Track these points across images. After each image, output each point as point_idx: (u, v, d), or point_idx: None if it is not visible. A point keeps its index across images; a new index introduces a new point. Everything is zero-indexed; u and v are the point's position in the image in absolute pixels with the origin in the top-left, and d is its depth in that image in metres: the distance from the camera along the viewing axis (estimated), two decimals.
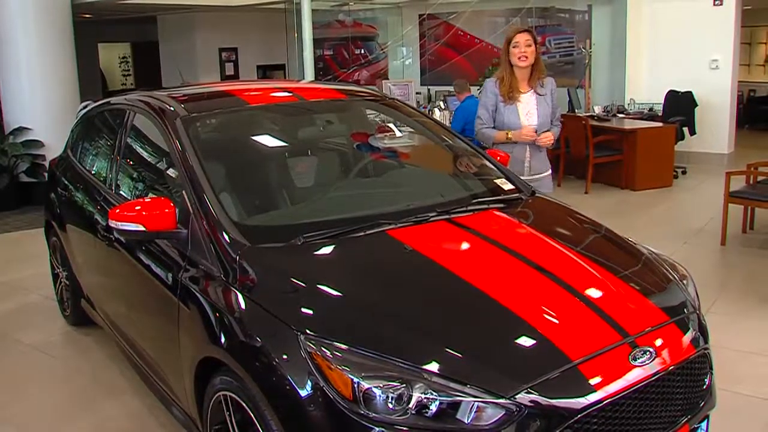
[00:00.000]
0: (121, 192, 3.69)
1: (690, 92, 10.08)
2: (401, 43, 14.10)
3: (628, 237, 3.17)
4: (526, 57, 4.27)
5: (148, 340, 3.35)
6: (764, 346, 4.27)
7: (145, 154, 3.67)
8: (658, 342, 2.37)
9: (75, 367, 4.27)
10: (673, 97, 10.22)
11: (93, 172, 4.16)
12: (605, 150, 9.00)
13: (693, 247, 6.41)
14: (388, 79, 13.10)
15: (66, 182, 4.55)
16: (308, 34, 8.56)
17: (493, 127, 4.41)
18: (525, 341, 2.26)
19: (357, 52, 14.70)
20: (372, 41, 14.81)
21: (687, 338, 2.49)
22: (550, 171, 4.57)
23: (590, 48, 11.39)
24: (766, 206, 6.39)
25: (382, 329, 2.28)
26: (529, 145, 4.36)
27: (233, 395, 2.45)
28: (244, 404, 2.38)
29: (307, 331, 2.24)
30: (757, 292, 5.15)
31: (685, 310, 2.63)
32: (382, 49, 14.52)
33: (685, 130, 9.88)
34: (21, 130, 8.83)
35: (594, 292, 2.51)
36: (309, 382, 2.16)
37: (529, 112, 4.36)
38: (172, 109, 3.34)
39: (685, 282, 2.86)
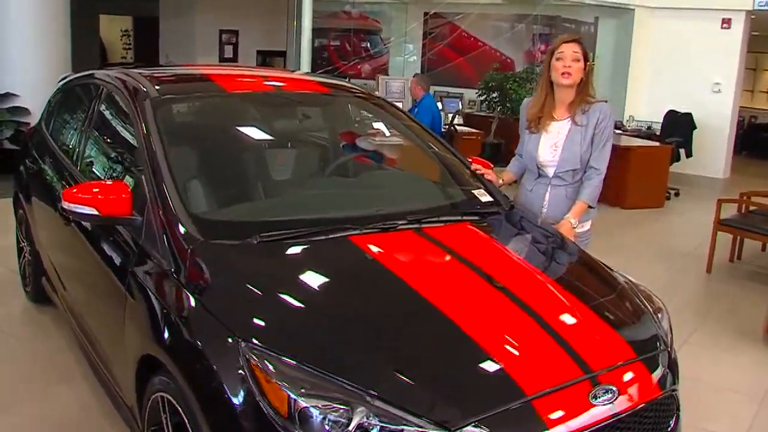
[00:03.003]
0: (84, 170, 3.54)
1: (690, 114, 9.97)
2: (404, 40, 13.95)
3: (606, 263, 3.03)
4: (569, 74, 3.36)
5: (98, 328, 3.21)
6: (739, 383, 4.16)
7: (112, 134, 3.52)
8: (622, 381, 2.23)
9: (28, 347, 4.13)
10: (672, 117, 10.11)
11: (60, 146, 4.02)
12: None
13: (677, 273, 6.29)
14: (388, 74, 12.96)
15: (35, 155, 4.40)
16: (308, 23, 8.39)
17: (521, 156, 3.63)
18: (480, 371, 2.12)
19: (360, 45, 14.55)
20: (375, 35, 14.65)
21: (654, 378, 2.34)
22: (586, 226, 3.55)
23: (593, 61, 11.24)
24: (756, 237, 6.28)
25: (332, 346, 2.13)
26: (551, 185, 3.51)
27: (170, 398, 2.31)
28: (179, 408, 2.24)
29: (253, 341, 2.10)
30: (738, 325, 5.03)
31: (655, 347, 2.48)
32: (384, 44, 14.37)
33: (682, 151, 9.76)
34: (8, 96, 8.65)
35: (560, 323, 2.36)
36: (244, 394, 2.02)
37: (556, 144, 3.46)
38: (144, 89, 3.20)
39: (659, 315, 2.72)
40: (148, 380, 2.48)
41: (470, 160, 3.62)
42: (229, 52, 13.89)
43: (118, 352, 2.82)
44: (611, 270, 2.93)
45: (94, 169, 3.48)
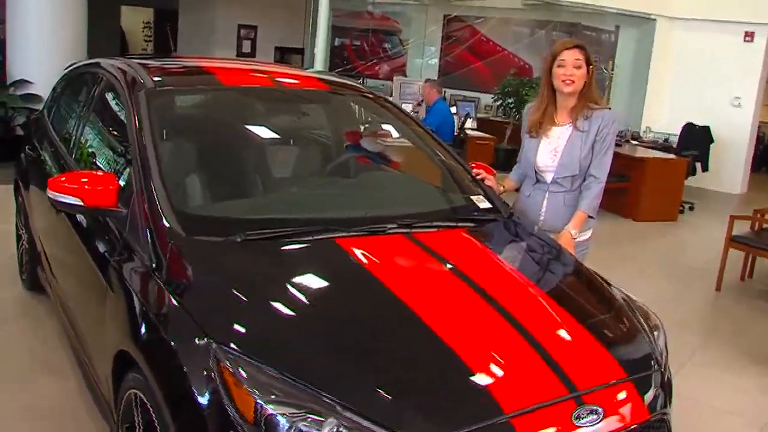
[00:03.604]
0: (78, 159, 3.50)
1: (707, 127, 9.82)
2: (423, 42, 13.86)
3: (607, 277, 2.92)
4: (572, 81, 3.25)
5: (81, 320, 3.16)
6: (741, 405, 4.03)
7: (107, 124, 3.47)
8: (609, 401, 2.13)
9: (19, 336, 4.07)
10: (689, 130, 9.97)
11: (59, 134, 3.98)
12: (611, 175, 8.66)
13: (685, 289, 6.15)
14: (406, 75, 12.88)
15: (35, 142, 4.38)
16: (323, 21, 8.35)
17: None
18: (459, 386, 2.03)
19: (378, 45, 14.48)
20: (394, 36, 14.58)
21: (644, 400, 2.24)
22: (586, 235, 3.44)
23: (612, 69, 11.13)
24: None
25: (309, 355, 2.05)
26: (549, 191, 3.41)
27: (142, 396, 2.24)
28: (150, 407, 2.18)
29: (231, 345, 2.02)
30: (743, 345, 4.90)
31: (648, 367, 2.38)
32: (403, 45, 14.29)
33: (698, 165, 9.60)
34: (22, 82, 8.67)
35: (548, 338, 2.25)
36: (212, 397, 1.95)
37: (556, 149, 3.35)
38: (140, 80, 3.14)
39: (656, 333, 2.61)
40: (123, 376, 2.42)
41: (473, 165, 3.53)
42: (247, 47, 13.84)
43: (97, 346, 2.77)
44: (608, 284, 2.83)
45: (87, 159, 3.43)
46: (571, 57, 3.26)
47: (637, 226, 8.47)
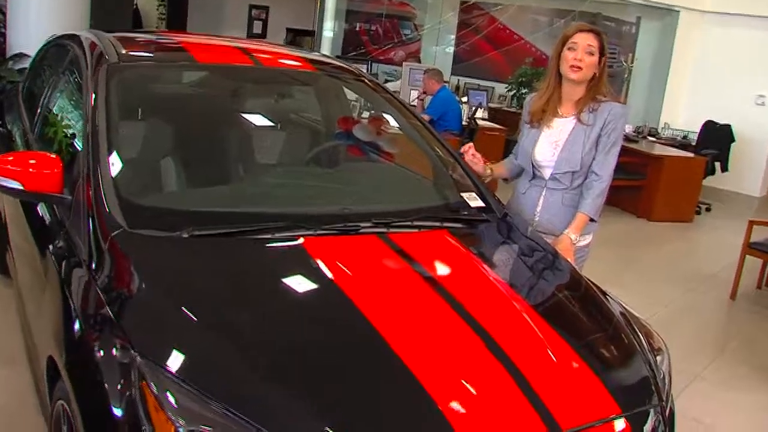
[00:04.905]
0: (39, 137, 3.23)
1: (729, 125, 9.42)
2: (438, 28, 13.49)
3: (608, 286, 2.62)
4: (580, 68, 2.93)
5: (29, 315, 2.88)
6: (752, 426, 3.72)
7: (70, 101, 3.18)
8: None
9: None
10: (710, 128, 9.57)
11: (26, 110, 3.72)
12: (626, 173, 8.32)
13: (698, 296, 5.81)
14: (420, 62, 12.51)
15: (5, 117, 4.11)
16: (331, 3, 8.08)
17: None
18: (419, 422, 1.73)
19: (393, 30, 14.12)
20: (409, 21, 14.22)
21: None
22: (586, 240, 3.13)
23: (632, 62, 10.73)
24: None
25: (252, 383, 1.75)
26: (547, 188, 3.11)
27: (68, 408, 1.97)
28: (71, 422, 1.92)
29: (168, 367, 1.73)
30: (756, 360, 4.58)
31: (647, 400, 2.07)
32: (418, 31, 13.93)
33: (717, 165, 9.21)
34: (21, 56, 8.42)
35: (531, 367, 1.93)
36: (131, 420, 1.68)
37: (557, 142, 3.04)
38: (105, 54, 2.84)
39: (659, 358, 2.31)
40: (55, 385, 2.15)
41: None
42: (258, 27, 13.57)
43: (36, 347, 2.51)
44: (607, 298, 2.51)
45: (46, 138, 3.15)
46: (584, 41, 2.94)
47: (650, 227, 8.13)
